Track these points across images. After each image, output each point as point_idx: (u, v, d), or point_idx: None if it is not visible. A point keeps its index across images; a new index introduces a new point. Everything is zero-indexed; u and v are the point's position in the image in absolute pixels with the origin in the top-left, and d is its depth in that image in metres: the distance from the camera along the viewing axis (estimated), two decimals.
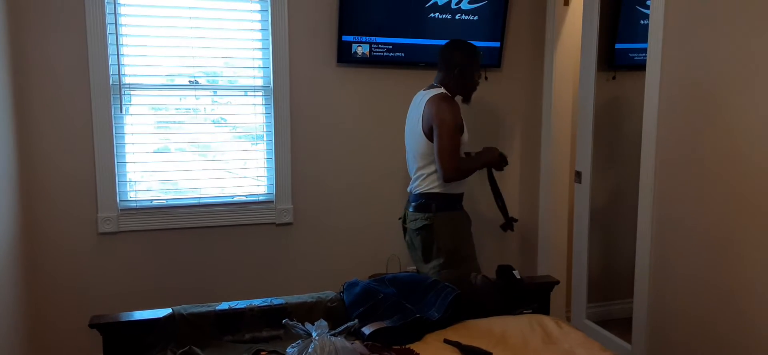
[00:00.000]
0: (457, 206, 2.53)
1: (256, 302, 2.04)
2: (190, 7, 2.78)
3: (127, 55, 2.75)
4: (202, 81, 2.87)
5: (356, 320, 1.77)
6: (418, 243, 2.50)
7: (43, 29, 2.60)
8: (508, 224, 2.68)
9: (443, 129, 2.34)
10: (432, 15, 3.00)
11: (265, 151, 3.00)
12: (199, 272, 2.93)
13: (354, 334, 1.87)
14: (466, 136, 2.47)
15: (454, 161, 2.36)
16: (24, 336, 2.57)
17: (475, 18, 3.06)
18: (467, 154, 2.56)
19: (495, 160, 2.59)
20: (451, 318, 2.06)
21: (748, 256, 2.04)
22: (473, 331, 2.01)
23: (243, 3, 2.88)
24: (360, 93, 3.04)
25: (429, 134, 2.40)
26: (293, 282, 3.02)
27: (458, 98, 2.52)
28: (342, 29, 2.90)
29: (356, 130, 3.08)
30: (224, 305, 2.00)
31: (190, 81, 2.84)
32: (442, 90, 2.46)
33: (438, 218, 2.44)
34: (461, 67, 2.47)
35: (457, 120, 2.37)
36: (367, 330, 1.92)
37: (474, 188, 3.38)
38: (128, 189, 2.84)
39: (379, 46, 2.97)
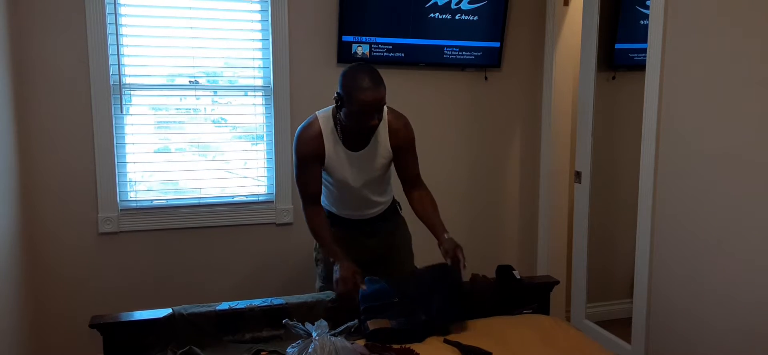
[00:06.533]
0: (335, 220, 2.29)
1: (256, 302, 2.03)
2: (190, 7, 2.78)
3: (127, 55, 2.75)
4: (202, 81, 2.87)
5: (356, 321, 1.77)
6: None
7: (43, 29, 2.60)
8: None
9: (294, 162, 2.17)
10: (432, 15, 3.00)
11: (265, 152, 3.00)
12: (199, 272, 2.93)
13: (354, 334, 1.87)
14: (334, 174, 2.16)
15: (302, 202, 2.19)
16: (25, 336, 2.57)
17: (475, 18, 3.06)
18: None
19: (336, 285, 2.05)
20: (454, 318, 2.05)
21: (747, 256, 2.05)
22: (473, 331, 2.01)
23: (243, 3, 2.88)
24: None
25: None
26: (293, 282, 3.02)
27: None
28: (342, 29, 2.90)
29: None
30: (224, 305, 2.00)
31: (190, 81, 2.84)
32: (319, 114, 2.16)
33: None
34: (338, 101, 2.05)
35: (302, 158, 2.12)
36: (369, 325, 1.92)
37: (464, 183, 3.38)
38: (128, 189, 2.84)
39: (379, 46, 2.97)
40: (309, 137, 2.12)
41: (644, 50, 2.47)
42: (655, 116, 2.41)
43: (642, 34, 2.58)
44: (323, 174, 2.19)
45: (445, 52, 3.06)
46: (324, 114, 2.16)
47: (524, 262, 3.45)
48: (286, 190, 3.00)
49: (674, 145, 2.35)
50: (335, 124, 2.12)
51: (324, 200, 2.29)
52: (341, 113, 2.05)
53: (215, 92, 2.93)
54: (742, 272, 2.07)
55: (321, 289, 2.33)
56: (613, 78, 3.28)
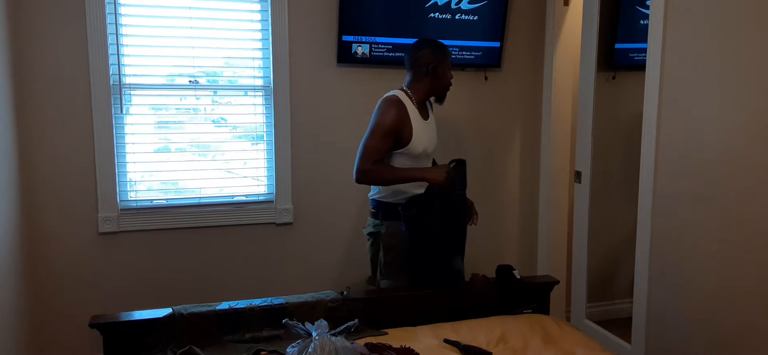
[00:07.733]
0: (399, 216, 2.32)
1: (256, 302, 2.04)
2: (190, 7, 2.78)
3: (127, 55, 2.75)
4: (202, 81, 2.87)
5: (356, 321, 1.77)
6: (368, 250, 2.49)
7: (43, 29, 2.60)
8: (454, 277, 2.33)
9: (372, 128, 2.27)
10: (432, 15, 3.00)
11: (265, 151, 3.00)
12: (199, 272, 2.93)
13: (354, 334, 1.87)
14: (418, 148, 2.33)
15: (362, 163, 2.24)
16: (25, 336, 2.57)
17: (475, 18, 3.06)
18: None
19: (436, 179, 2.23)
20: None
21: (747, 256, 2.05)
22: (473, 331, 2.01)
23: (243, 3, 2.88)
24: (360, 93, 3.04)
25: None
26: (293, 282, 3.02)
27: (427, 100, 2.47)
28: (342, 29, 2.90)
29: (356, 131, 3.07)
30: (224, 305, 2.00)
31: (190, 81, 2.85)
32: (396, 92, 2.36)
33: (385, 227, 2.38)
34: (432, 65, 2.35)
35: (391, 124, 2.25)
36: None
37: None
38: (128, 189, 2.84)
39: (379, 46, 2.97)
40: (400, 108, 2.30)
41: (644, 50, 2.47)
42: (655, 116, 2.41)
43: (642, 34, 2.58)
44: (398, 157, 2.32)
45: None
46: (399, 92, 2.37)
47: (524, 262, 3.45)
48: (286, 190, 3.00)
49: (674, 145, 2.35)
50: (411, 99, 2.35)
51: (390, 188, 2.36)
52: (436, 79, 2.37)
53: (215, 92, 2.93)
54: (742, 271, 2.07)
55: (387, 284, 2.36)
56: (613, 78, 3.28)
